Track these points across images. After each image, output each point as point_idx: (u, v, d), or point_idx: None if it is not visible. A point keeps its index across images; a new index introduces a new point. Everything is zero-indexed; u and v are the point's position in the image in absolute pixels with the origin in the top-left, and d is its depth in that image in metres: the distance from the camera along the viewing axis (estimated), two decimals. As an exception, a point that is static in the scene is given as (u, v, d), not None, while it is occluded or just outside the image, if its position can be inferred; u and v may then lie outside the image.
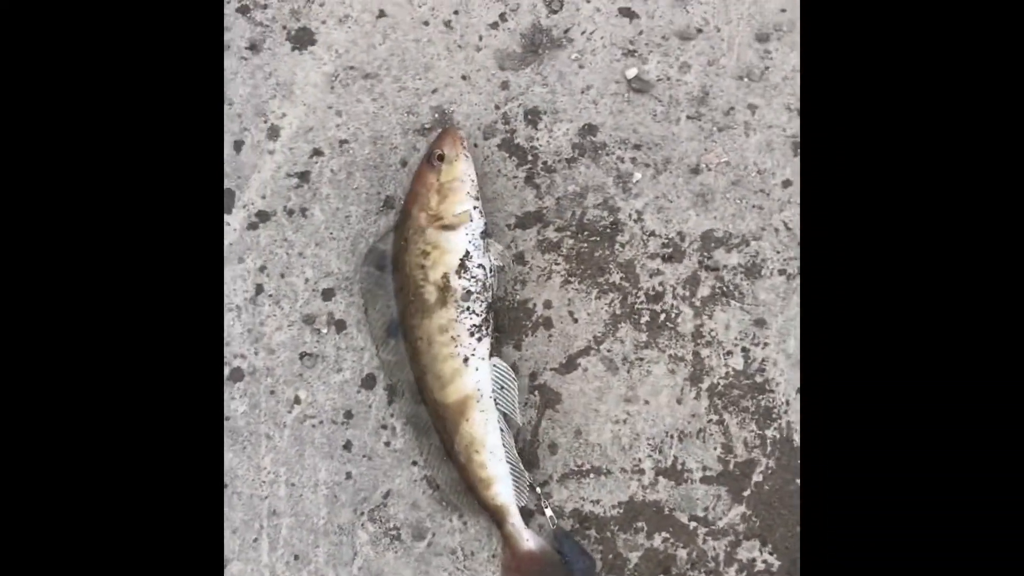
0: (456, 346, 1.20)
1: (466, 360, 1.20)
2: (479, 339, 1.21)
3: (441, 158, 1.21)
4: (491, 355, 1.22)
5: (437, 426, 1.22)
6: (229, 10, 1.32)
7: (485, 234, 1.23)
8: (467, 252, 1.21)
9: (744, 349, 1.28)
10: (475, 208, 1.22)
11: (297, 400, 1.28)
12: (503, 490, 1.20)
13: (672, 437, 1.28)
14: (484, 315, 1.22)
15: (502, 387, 1.22)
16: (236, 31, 1.32)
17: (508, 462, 1.21)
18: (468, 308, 1.20)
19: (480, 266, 1.21)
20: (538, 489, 1.26)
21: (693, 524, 1.26)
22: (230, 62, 1.31)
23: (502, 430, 1.21)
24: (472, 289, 1.20)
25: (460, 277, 1.20)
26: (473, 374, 1.20)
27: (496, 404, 1.21)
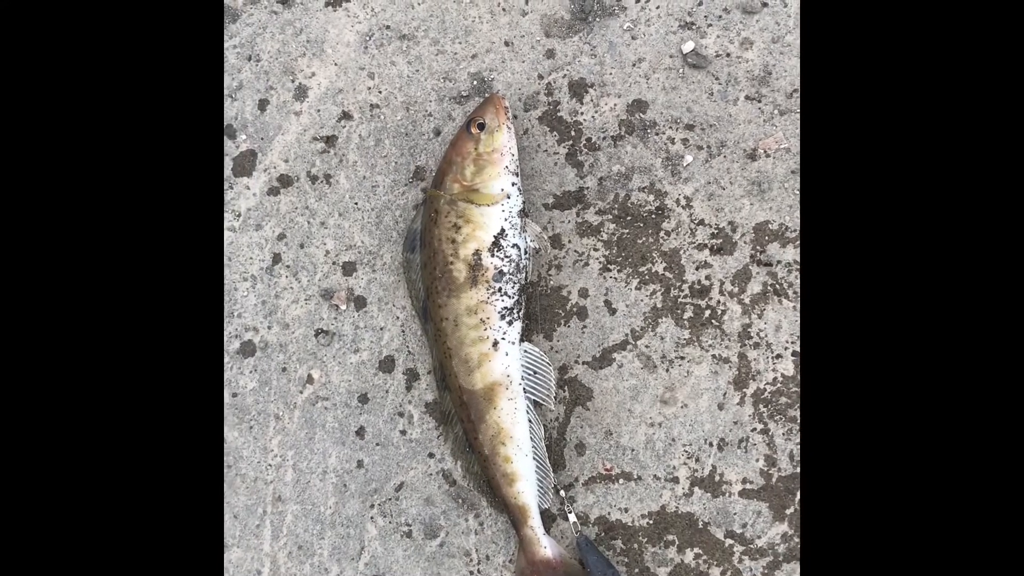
0: (485, 329, 1.10)
1: (496, 344, 1.11)
2: (510, 322, 1.12)
3: (482, 127, 1.12)
4: (522, 340, 1.13)
5: (460, 414, 1.12)
6: (261, -39, 1.24)
7: (522, 213, 1.14)
8: (502, 230, 1.11)
9: (795, 353, 1.18)
10: (513, 184, 1.13)
11: (310, 380, 1.19)
12: (526, 488, 1.11)
13: (711, 445, 1.18)
14: (516, 297, 1.12)
15: (535, 372, 1.12)
16: (267, -17, 1.24)
17: (535, 458, 1.12)
18: (500, 289, 1.11)
19: (515, 246, 1.12)
20: (562, 492, 1.16)
21: (729, 541, 1.16)
22: (259, 15, 1.22)
23: (531, 421, 1.12)
24: (505, 269, 1.11)
25: (493, 256, 1.11)
26: (503, 359, 1.11)
27: (526, 392, 1.12)
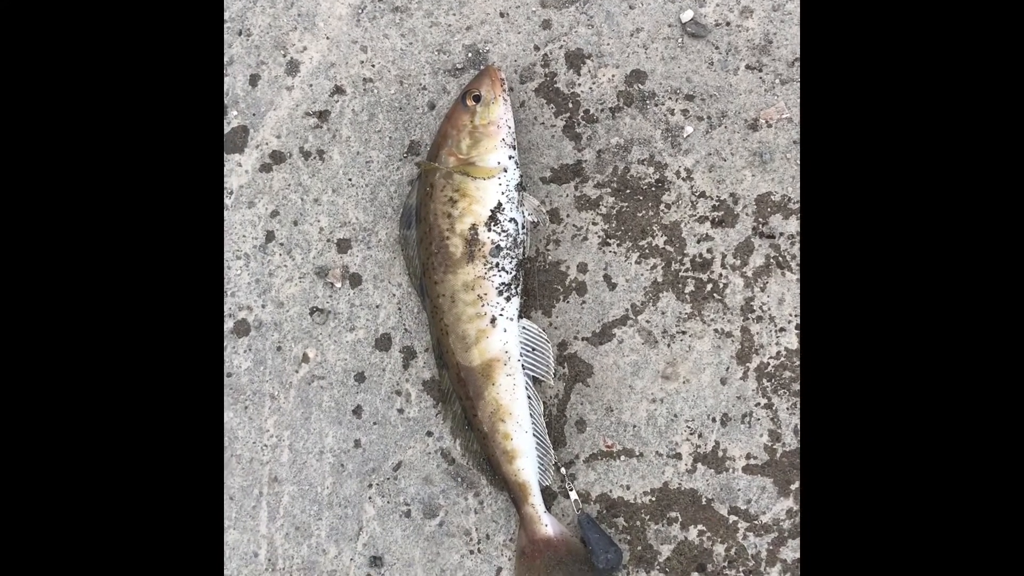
0: (483, 305, 1.08)
1: (493, 320, 1.09)
2: (508, 298, 1.10)
3: (477, 99, 1.10)
4: (520, 316, 1.11)
5: (459, 391, 1.11)
6: (250, -67, 1.21)
7: (520, 187, 1.11)
8: (499, 204, 1.09)
9: (799, 327, 1.16)
10: (510, 158, 1.11)
11: (305, 359, 1.17)
12: (526, 465, 1.09)
13: (714, 420, 1.16)
14: (514, 273, 1.10)
15: (533, 349, 1.11)
16: (256, -44, 1.21)
17: (534, 435, 1.10)
18: (497, 264, 1.09)
19: (512, 220, 1.10)
20: (563, 469, 1.15)
21: (733, 518, 1.14)
22: (249, -11, 1.20)
23: (530, 398, 1.10)
24: (502, 244, 1.09)
25: (490, 230, 1.09)
26: (500, 335, 1.09)
27: (525, 369, 1.10)
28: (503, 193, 1.09)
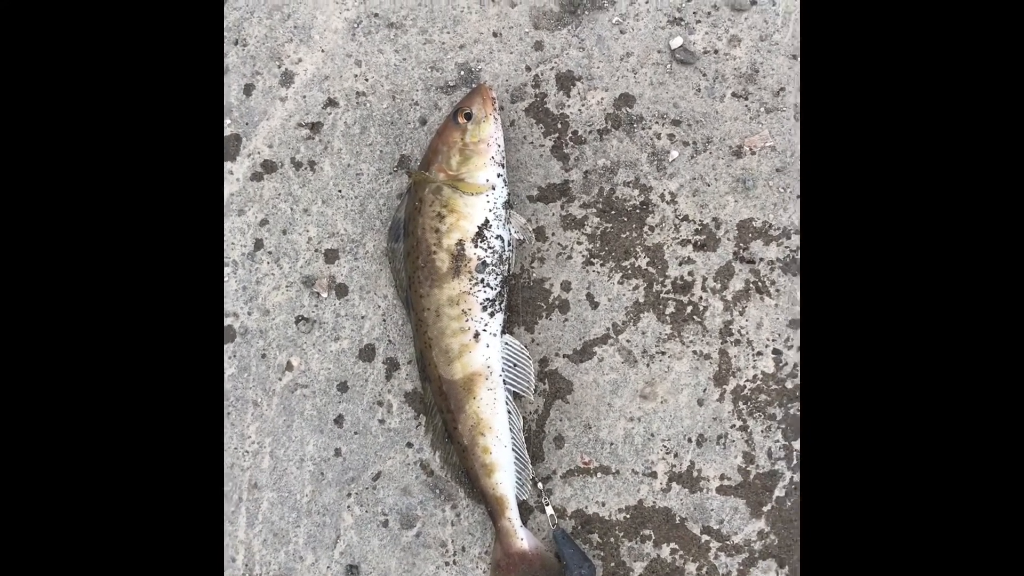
0: (467, 320, 1.10)
1: (477, 336, 1.10)
2: (492, 314, 1.11)
3: (469, 116, 1.12)
4: (503, 332, 1.13)
5: (440, 404, 1.12)
6: (250, -55, 1.23)
7: (507, 204, 1.13)
8: (486, 220, 1.11)
9: (776, 351, 1.18)
10: (499, 175, 1.13)
11: (289, 367, 1.18)
12: (504, 479, 1.11)
13: (690, 440, 1.18)
14: (499, 289, 1.12)
15: (515, 364, 1.12)
16: (256, -33, 1.23)
17: (513, 449, 1.11)
18: (482, 280, 1.11)
19: (499, 237, 1.12)
20: (540, 484, 1.16)
21: (705, 537, 1.16)
22: (247, 0, 1.21)
23: (510, 412, 1.12)
24: (488, 260, 1.11)
25: (476, 246, 1.10)
26: (483, 350, 1.11)
27: (506, 384, 1.12)
28: (491, 210, 1.11)
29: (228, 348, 1.18)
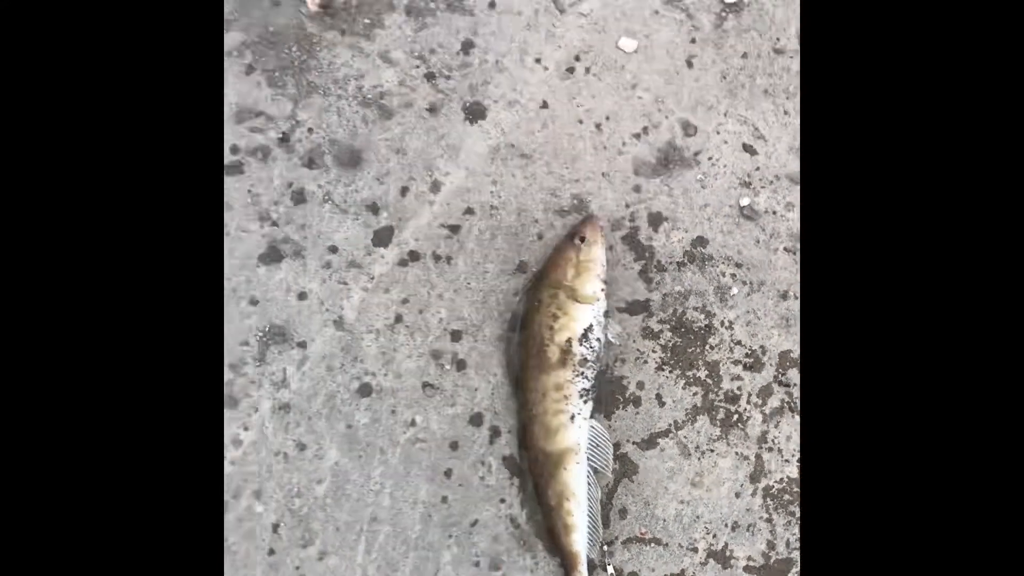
0: (567, 404, 1.35)
1: (572, 417, 1.36)
2: (585, 401, 1.37)
3: (583, 239, 1.40)
4: (591, 416, 1.38)
5: (534, 470, 1.36)
6: (417, 73, 1.51)
7: (607, 313, 1.41)
8: (591, 325, 1.38)
9: (800, 460, 1.46)
10: (602, 289, 1.40)
11: (413, 423, 1.41)
12: (580, 539, 1.34)
13: (727, 525, 1.43)
14: (593, 381, 1.38)
15: (597, 445, 1.37)
16: (420, 93, 1.51)
17: (589, 515, 1.35)
18: (583, 373, 1.36)
19: (598, 339, 1.38)
20: (605, 547, 1.40)
21: (730, 606, 1.41)
22: (410, 118, 1.49)
23: (590, 484, 1.36)
24: (588, 357, 1.37)
25: (581, 344, 1.37)
26: (576, 431, 1.35)
27: (589, 460, 1.37)
28: (595, 317, 1.38)
29: (364, 401, 1.41)
